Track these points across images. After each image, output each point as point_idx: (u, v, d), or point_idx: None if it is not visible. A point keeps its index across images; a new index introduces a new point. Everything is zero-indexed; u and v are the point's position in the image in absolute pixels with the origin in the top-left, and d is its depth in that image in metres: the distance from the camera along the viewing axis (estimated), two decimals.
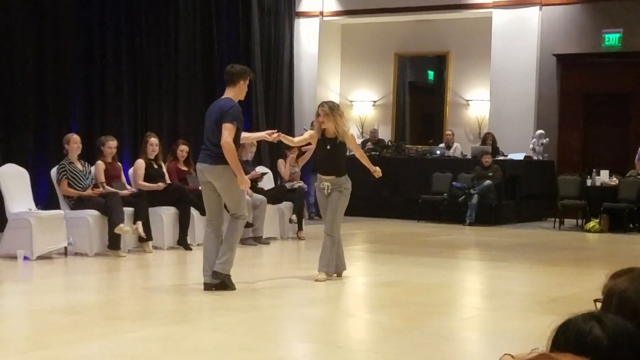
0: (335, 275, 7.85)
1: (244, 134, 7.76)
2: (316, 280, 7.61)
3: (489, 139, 15.60)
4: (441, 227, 14.15)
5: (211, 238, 7.14)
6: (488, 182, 14.56)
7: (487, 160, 14.67)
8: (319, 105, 7.89)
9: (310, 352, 5.10)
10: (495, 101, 16.37)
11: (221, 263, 6.99)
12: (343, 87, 18.47)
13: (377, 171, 8.05)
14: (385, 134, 17.75)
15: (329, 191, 7.76)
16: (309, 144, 8.15)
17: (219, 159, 7.02)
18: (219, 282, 6.97)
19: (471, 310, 6.94)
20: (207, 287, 6.99)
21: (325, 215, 7.88)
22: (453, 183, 14.99)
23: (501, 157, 15.38)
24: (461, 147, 16.37)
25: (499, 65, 16.24)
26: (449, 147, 16.31)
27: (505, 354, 2.20)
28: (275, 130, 7.96)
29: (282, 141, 8.17)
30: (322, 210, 7.97)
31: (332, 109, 7.73)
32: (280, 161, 12.37)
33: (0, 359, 4.71)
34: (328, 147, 7.76)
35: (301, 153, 12.79)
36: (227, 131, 6.93)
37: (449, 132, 16.62)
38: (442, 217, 14.93)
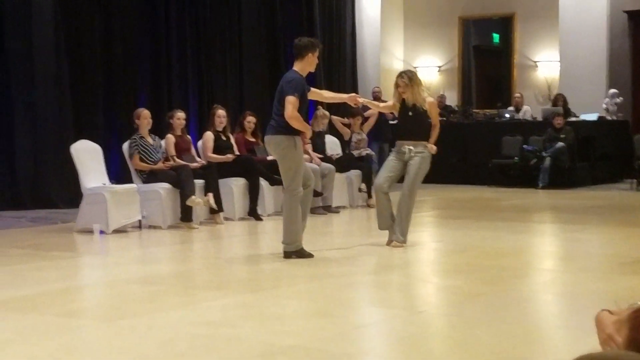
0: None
1: (327, 93, 7.86)
2: (393, 246, 7.59)
3: (560, 100, 15.27)
4: (513, 192, 13.93)
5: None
6: (560, 144, 14.27)
7: (559, 121, 14.37)
8: (398, 76, 7.80)
9: (391, 317, 5.05)
10: (565, 61, 16.01)
11: (285, 243, 7.08)
12: (407, 54, 18.26)
13: (432, 148, 7.88)
14: (452, 99, 17.53)
15: (410, 155, 7.70)
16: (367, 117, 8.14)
17: (279, 129, 7.05)
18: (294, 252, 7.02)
19: (550, 273, 6.80)
20: (286, 255, 7.05)
21: (404, 181, 7.82)
22: (524, 146, 14.73)
23: (573, 118, 15.05)
24: (531, 110, 16.07)
25: (568, 24, 15.85)
26: (518, 110, 16.03)
27: (602, 310, 2.10)
28: (357, 95, 7.88)
29: (367, 105, 8.29)
30: (387, 173, 7.78)
31: (411, 80, 7.69)
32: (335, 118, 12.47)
33: (84, 327, 4.78)
34: (410, 113, 7.71)
35: (364, 120, 12.73)
36: (290, 105, 6.94)
37: (518, 95, 16.32)
38: (513, 182, 14.71)
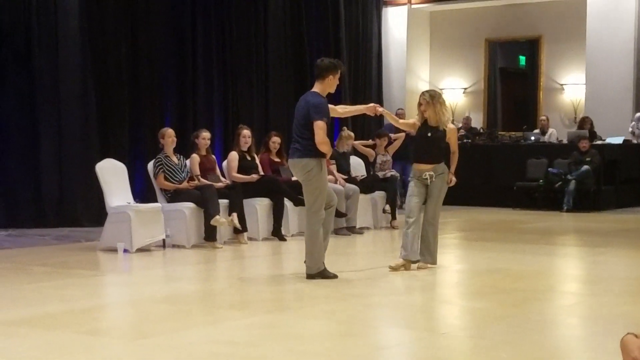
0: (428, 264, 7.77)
1: (341, 108, 7.77)
2: (419, 268, 7.60)
3: (587, 123, 15.18)
4: (537, 214, 13.84)
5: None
6: (586, 167, 14.17)
7: (584, 145, 14.29)
8: (421, 94, 7.77)
9: (414, 338, 5.02)
10: (591, 84, 15.93)
11: (308, 265, 7.09)
12: (432, 75, 18.27)
13: (452, 180, 7.83)
14: (477, 121, 17.50)
15: (432, 180, 7.65)
16: (401, 131, 8.06)
17: (305, 152, 7.07)
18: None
19: (574, 296, 6.74)
20: (309, 276, 7.06)
21: (427, 205, 7.73)
22: (549, 169, 14.65)
23: (599, 142, 14.96)
24: (556, 133, 15.99)
25: (594, 47, 15.80)
26: (543, 132, 15.96)
27: (628, 333, 2.07)
28: (377, 105, 7.82)
29: (385, 117, 8.18)
30: (414, 200, 7.67)
31: (432, 97, 7.64)
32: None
33: (108, 346, 4.79)
34: (429, 134, 7.64)
35: (389, 143, 12.73)
36: (321, 130, 6.96)
37: (544, 118, 16.25)
38: (538, 204, 14.63)
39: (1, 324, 5.22)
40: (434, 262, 7.73)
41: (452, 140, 7.81)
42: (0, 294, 6.41)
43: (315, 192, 7.07)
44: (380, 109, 7.69)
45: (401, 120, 8.37)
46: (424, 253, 7.69)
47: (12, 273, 7.44)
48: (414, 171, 7.77)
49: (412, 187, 7.75)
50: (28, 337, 4.85)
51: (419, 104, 7.70)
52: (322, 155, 7.06)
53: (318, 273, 7.03)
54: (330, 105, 7.34)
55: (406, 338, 5.08)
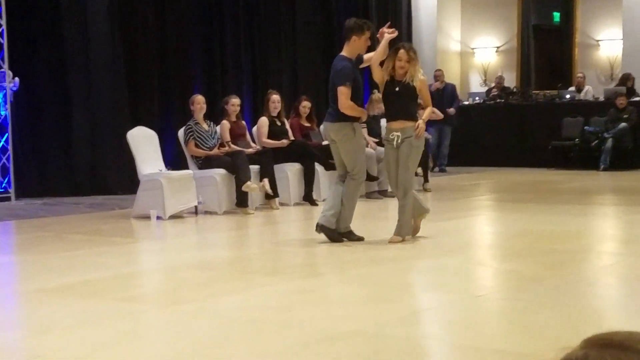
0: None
1: (367, 56, 7.18)
2: (390, 242, 6.91)
3: (630, 80, 14.86)
4: (573, 174, 13.68)
5: (336, 190, 7.17)
6: (623, 124, 13.95)
7: (621, 102, 14.05)
8: (404, 49, 6.93)
9: (449, 301, 4.97)
10: (628, 40, 15.63)
11: (325, 216, 7.01)
12: (464, 34, 18.03)
13: (421, 129, 6.95)
14: (510, 80, 17.27)
15: (399, 142, 6.89)
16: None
17: (336, 116, 7.01)
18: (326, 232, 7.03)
19: (612, 256, 6.64)
20: (317, 228, 7.09)
21: (393, 172, 7.01)
22: (585, 127, 14.45)
23: (637, 98, 14.69)
24: (592, 90, 15.74)
25: (632, 1, 15.45)
26: (579, 90, 15.71)
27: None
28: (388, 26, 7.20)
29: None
30: (388, 166, 7.08)
31: (415, 54, 6.99)
32: None
33: (144, 312, 4.80)
34: (397, 88, 6.90)
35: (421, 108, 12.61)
36: (343, 96, 6.89)
37: (580, 75, 15.99)
38: (573, 164, 14.45)
39: (39, 291, 5.27)
40: (401, 236, 6.99)
41: (424, 93, 7.04)
42: (37, 262, 6.47)
43: (350, 155, 7.01)
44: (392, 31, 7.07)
45: (377, 68, 7.06)
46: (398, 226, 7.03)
47: (48, 241, 7.50)
48: (385, 131, 7.14)
49: (385, 150, 7.17)
50: (65, 304, 4.88)
51: (398, 59, 6.88)
52: (354, 119, 7.00)
53: (329, 230, 7.01)
54: (366, 56, 7.07)
55: (441, 301, 5.03)
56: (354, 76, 7.01)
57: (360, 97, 7.14)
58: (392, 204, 10.44)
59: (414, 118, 6.97)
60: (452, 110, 14.71)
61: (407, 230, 7.05)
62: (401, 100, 6.94)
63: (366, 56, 7.13)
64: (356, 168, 7.02)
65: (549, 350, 3.71)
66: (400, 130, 6.90)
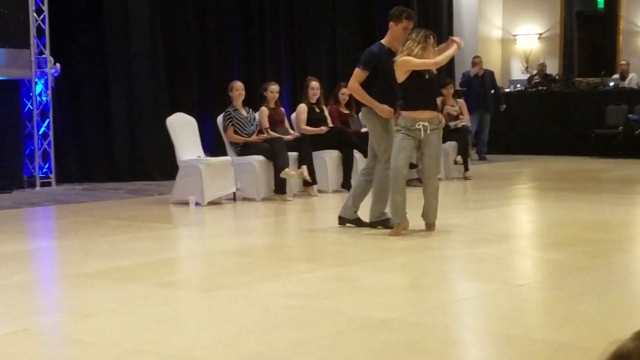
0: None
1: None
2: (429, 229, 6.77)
3: None
4: (617, 163, 13.48)
5: (358, 181, 7.28)
6: None
7: None
8: (432, 36, 6.66)
9: (490, 290, 4.90)
10: None
11: (346, 207, 7.15)
12: (506, 21, 17.81)
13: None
14: (553, 67, 17.04)
15: (427, 132, 6.62)
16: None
17: None
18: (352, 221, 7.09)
19: None
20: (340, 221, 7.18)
21: (428, 162, 6.80)
22: (629, 115, 14.23)
23: None
24: (637, 78, 15.47)
25: None
26: (623, 77, 15.46)
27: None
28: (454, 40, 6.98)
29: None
30: (402, 155, 6.69)
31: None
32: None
33: (183, 298, 4.81)
34: (427, 76, 6.66)
35: (457, 92, 12.48)
36: (352, 77, 6.99)
37: (624, 62, 15.72)
38: (617, 152, 14.23)
39: (79, 276, 5.30)
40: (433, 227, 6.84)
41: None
42: (78, 247, 6.52)
43: (376, 139, 6.97)
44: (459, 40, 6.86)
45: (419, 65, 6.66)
46: (428, 214, 6.92)
47: (89, 226, 7.56)
48: (404, 120, 6.67)
49: (401, 140, 6.66)
50: (105, 289, 4.90)
51: (421, 40, 6.56)
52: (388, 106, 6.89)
53: (382, 221, 7.02)
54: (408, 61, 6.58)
55: (482, 290, 4.96)
56: (376, 62, 6.92)
57: (388, 87, 6.89)
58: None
59: (437, 109, 7.05)
60: (503, 107, 14.62)
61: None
62: (431, 89, 6.85)
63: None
64: (384, 155, 6.89)
65: (592, 340, 3.65)
66: (428, 120, 6.64)
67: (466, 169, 11.58)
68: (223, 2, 12.58)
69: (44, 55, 10.55)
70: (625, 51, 16.57)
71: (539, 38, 17.57)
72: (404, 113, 6.69)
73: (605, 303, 4.50)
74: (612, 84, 15.35)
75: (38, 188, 10.39)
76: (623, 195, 9.54)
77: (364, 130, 10.59)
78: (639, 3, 16.45)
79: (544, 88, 15.61)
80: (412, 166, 10.48)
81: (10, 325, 4.11)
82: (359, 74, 6.94)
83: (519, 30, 17.68)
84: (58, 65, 10.59)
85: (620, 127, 14.28)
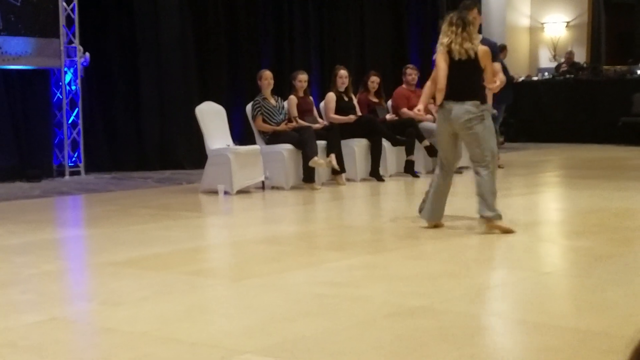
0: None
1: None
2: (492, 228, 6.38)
3: None
4: None
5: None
6: None
7: None
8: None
9: (518, 278, 4.93)
10: None
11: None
12: (534, 9, 17.71)
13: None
14: (580, 55, 16.94)
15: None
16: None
17: None
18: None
19: None
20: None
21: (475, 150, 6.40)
22: None
23: None
24: None
25: None
26: None
27: None
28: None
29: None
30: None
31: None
32: None
33: (214, 286, 4.87)
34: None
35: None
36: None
37: None
38: None
39: (110, 264, 5.38)
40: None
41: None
42: (107, 235, 6.60)
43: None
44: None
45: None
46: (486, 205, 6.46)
47: (118, 215, 7.65)
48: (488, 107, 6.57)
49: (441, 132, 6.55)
50: (135, 277, 4.98)
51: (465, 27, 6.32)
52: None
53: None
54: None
55: (510, 278, 4.99)
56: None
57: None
58: (459, 180, 10.36)
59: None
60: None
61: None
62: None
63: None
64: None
65: (619, 327, 3.67)
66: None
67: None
68: None
69: (73, 45, 10.65)
70: None
71: (566, 26, 17.45)
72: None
73: (631, 291, 4.52)
74: (639, 71, 15.23)
75: (67, 177, 10.51)
76: None
77: (389, 117, 10.61)
78: None
79: (572, 76, 15.53)
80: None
81: (40, 313, 4.17)
82: (437, 63, 6.51)
83: (547, 18, 17.57)
84: (87, 54, 10.69)
85: None
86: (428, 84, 6.80)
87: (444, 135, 6.47)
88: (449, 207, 7.01)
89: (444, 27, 6.33)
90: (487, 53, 6.36)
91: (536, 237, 6.40)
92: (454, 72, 6.26)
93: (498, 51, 6.83)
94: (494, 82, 6.44)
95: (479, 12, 7.02)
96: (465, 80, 6.29)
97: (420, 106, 6.77)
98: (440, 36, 6.37)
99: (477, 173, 6.44)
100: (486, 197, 6.33)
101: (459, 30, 6.24)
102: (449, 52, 6.28)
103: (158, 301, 4.42)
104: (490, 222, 6.30)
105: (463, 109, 6.27)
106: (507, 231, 6.28)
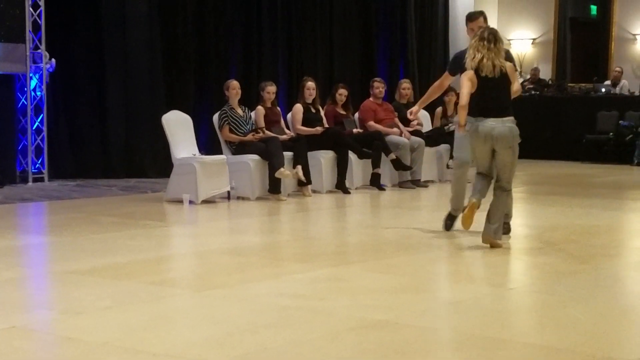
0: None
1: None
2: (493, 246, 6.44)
3: None
4: (607, 168, 13.57)
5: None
6: None
7: None
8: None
9: (482, 293, 4.95)
10: None
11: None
12: (500, 25, 17.85)
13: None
14: (546, 72, 17.14)
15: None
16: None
17: None
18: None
19: None
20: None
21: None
22: (620, 122, 14.34)
23: None
24: (628, 84, 15.58)
25: None
26: (615, 84, 15.57)
27: None
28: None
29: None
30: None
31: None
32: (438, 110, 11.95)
33: (176, 296, 4.83)
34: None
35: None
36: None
37: (618, 69, 15.83)
38: (607, 158, 14.33)
39: (72, 273, 5.32)
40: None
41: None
42: (69, 243, 6.53)
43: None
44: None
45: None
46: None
47: (81, 223, 7.57)
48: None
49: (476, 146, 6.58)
50: (98, 286, 4.93)
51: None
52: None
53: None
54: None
55: (473, 293, 5.01)
56: (454, 66, 6.80)
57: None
58: (425, 194, 10.45)
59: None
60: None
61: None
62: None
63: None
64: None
65: (582, 344, 3.70)
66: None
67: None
68: (222, 0, 12.60)
69: (39, 51, 10.55)
70: (617, 58, 16.67)
71: (532, 43, 17.65)
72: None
73: (593, 308, 4.56)
74: (603, 90, 15.46)
75: (30, 183, 10.39)
76: (612, 200, 9.61)
77: (355, 130, 10.65)
78: (632, 10, 16.53)
79: (537, 93, 15.69)
80: (405, 167, 10.58)
81: (0, 321, 4.11)
82: (444, 75, 6.86)
83: (513, 35, 17.75)
84: (53, 60, 10.60)
85: (611, 133, 14.37)
86: (431, 89, 6.78)
87: (485, 152, 6.33)
88: (415, 221, 7.03)
89: (474, 42, 6.24)
90: (513, 69, 6.43)
91: (500, 253, 6.44)
92: (486, 88, 6.19)
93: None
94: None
95: (486, 20, 6.97)
96: (500, 95, 6.26)
97: (416, 107, 6.81)
98: (470, 51, 6.26)
99: (499, 193, 6.36)
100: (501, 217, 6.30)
101: (492, 45, 6.20)
102: (478, 69, 6.21)
103: (120, 311, 4.38)
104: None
105: (506, 126, 6.24)
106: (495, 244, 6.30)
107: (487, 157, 6.38)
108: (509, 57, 6.76)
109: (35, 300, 4.86)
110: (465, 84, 6.23)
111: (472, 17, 6.99)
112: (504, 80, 6.30)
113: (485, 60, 6.20)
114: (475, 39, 6.28)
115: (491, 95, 6.24)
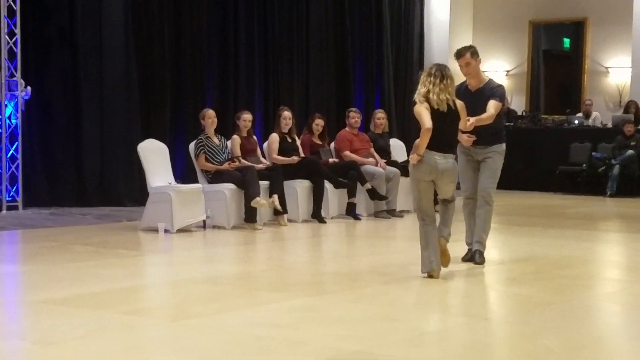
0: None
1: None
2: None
3: (632, 107, 14.97)
4: (580, 199, 13.69)
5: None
6: (630, 152, 13.99)
7: (629, 129, 14.10)
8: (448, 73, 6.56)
9: (456, 324, 4.97)
10: (637, 67, 15.69)
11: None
12: None
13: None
14: (520, 104, 17.32)
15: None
16: None
17: None
18: None
19: (618, 283, 6.65)
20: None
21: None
22: (593, 153, 14.49)
23: None
24: (601, 116, 15.78)
25: None
26: (587, 116, 15.77)
27: None
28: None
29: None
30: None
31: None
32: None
33: (150, 326, 4.81)
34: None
35: None
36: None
37: (589, 101, 16.04)
38: (580, 189, 14.48)
39: (44, 302, 5.28)
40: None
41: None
42: (43, 272, 6.48)
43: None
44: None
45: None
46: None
47: (55, 252, 7.52)
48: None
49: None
50: (71, 316, 4.89)
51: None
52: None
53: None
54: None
55: (448, 323, 5.03)
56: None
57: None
58: (400, 224, 10.49)
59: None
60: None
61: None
62: None
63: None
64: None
65: None
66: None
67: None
68: (199, 29, 12.64)
69: (14, 78, 10.53)
70: (590, 90, 16.90)
71: (506, 75, 17.85)
72: None
73: (567, 339, 4.59)
74: (576, 122, 15.65)
75: (4, 212, 10.32)
76: (585, 231, 9.69)
77: (332, 160, 10.70)
78: (604, 44, 16.77)
79: (511, 124, 15.83)
80: (381, 197, 10.63)
81: None
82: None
83: (487, 66, 17.91)
84: (29, 88, 10.57)
85: (584, 165, 14.52)
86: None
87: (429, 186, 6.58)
88: (390, 250, 7.06)
89: (423, 77, 6.43)
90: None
91: (475, 283, 6.48)
92: (434, 121, 6.26)
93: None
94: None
95: (474, 55, 7.17)
96: (446, 129, 6.39)
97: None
98: (419, 86, 6.43)
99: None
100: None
101: (437, 81, 6.31)
102: (428, 101, 6.32)
103: (93, 341, 4.35)
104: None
105: (449, 162, 6.42)
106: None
107: (430, 192, 6.60)
108: (500, 92, 6.93)
109: (8, 330, 4.80)
110: (424, 111, 6.30)
111: (458, 54, 7.22)
112: (452, 115, 6.40)
113: (430, 94, 6.31)
114: (423, 74, 6.47)
115: (439, 129, 6.31)
